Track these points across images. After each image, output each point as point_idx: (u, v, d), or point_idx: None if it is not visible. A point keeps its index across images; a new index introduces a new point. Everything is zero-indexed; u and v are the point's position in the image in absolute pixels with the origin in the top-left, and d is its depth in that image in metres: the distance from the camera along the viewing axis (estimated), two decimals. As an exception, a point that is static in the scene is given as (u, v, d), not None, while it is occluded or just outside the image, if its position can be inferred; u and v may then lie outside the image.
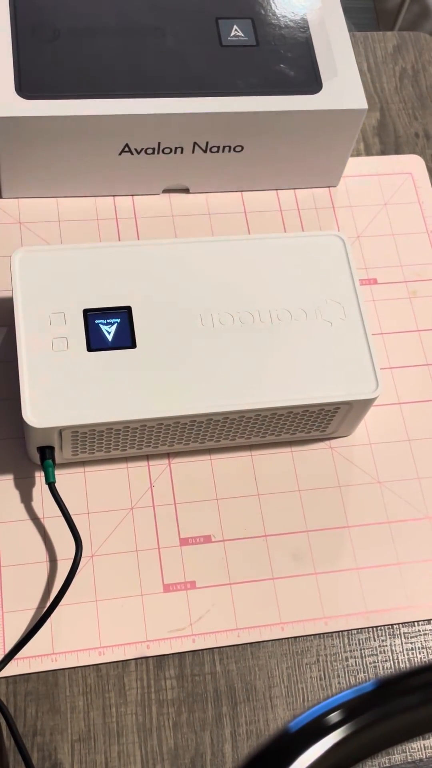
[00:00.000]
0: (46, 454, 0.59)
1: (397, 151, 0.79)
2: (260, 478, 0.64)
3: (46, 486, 0.60)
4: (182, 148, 0.69)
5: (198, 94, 0.67)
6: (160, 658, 0.58)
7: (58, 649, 0.58)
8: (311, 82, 0.69)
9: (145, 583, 0.60)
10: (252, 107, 0.67)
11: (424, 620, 0.61)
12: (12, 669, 0.57)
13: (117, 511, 0.62)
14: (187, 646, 0.59)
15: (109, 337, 0.59)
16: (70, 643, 0.58)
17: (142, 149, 0.68)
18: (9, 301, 0.65)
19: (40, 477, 0.62)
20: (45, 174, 0.69)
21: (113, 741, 0.56)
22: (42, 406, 0.56)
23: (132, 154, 0.69)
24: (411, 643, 0.61)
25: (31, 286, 0.59)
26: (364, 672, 0.60)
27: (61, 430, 0.57)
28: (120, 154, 0.68)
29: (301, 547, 0.62)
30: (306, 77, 0.69)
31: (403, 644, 0.61)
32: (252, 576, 0.61)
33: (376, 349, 0.69)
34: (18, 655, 0.57)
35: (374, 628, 0.61)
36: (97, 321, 0.59)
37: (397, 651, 0.61)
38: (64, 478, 0.62)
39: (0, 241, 0.69)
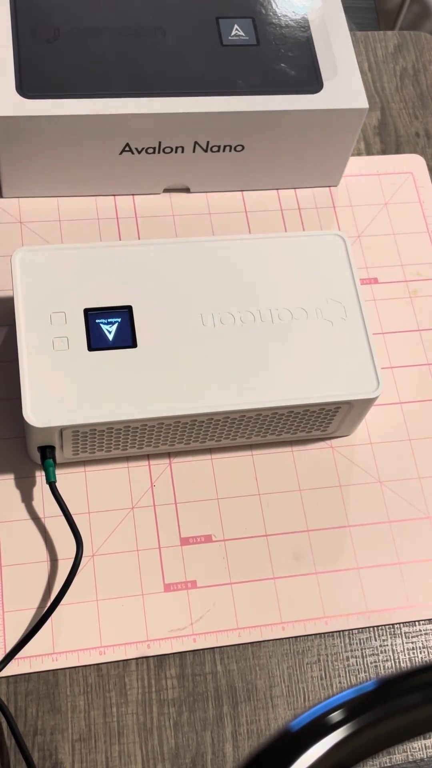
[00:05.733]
0: (47, 453, 0.59)
1: (398, 150, 0.79)
2: (261, 477, 0.64)
3: (47, 485, 0.60)
4: (183, 148, 0.69)
5: (199, 93, 0.67)
6: (161, 658, 0.58)
7: (58, 648, 0.58)
8: (312, 82, 0.69)
9: (146, 583, 0.60)
10: (253, 106, 0.67)
11: (424, 620, 0.61)
12: (12, 668, 0.57)
13: (118, 510, 0.62)
14: (187, 645, 0.59)
15: (110, 337, 0.59)
16: (70, 643, 0.58)
17: (142, 149, 0.68)
18: (9, 300, 0.65)
19: (40, 476, 0.62)
20: (45, 173, 0.69)
21: (114, 741, 0.56)
22: (43, 406, 0.56)
23: (132, 153, 0.68)
24: (412, 642, 0.61)
25: (31, 286, 0.59)
26: (364, 672, 0.60)
27: (61, 430, 0.57)
28: (120, 153, 0.68)
29: (301, 546, 0.62)
30: (307, 77, 0.69)
31: (404, 644, 0.61)
32: (253, 575, 0.61)
33: (376, 348, 0.69)
34: (18, 655, 0.57)
35: (375, 628, 0.61)
36: (97, 320, 0.59)
37: (398, 651, 0.61)
38: (64, 477, 0.62)
39: (0, 241, 0.69)
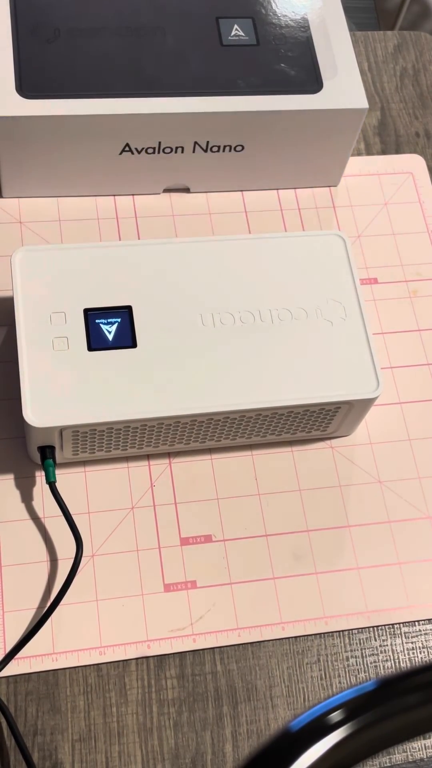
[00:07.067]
0: (47, 453, 0.59)
1: (398, 150, 0.79)
2: (261, 477, 0.64)
3: (47, 485, 0.60)
4: (183, 148, 0.69)
5: (198, 93, 0.67)
6: (161, 658, 0.58)
7: (58, 648, 0.58)
8: (312, 82, 0.69)
9: (146, 583, 0.60)
10: (252, 107, 0.67)
11: (424, 620, 0.61)
12: (12, 669, 0.57)
13: (117, 510, 0.62)
14: (187, 645, 0.59)
15: (110, 337, 0.59)
16: (70, 643, 0.58)
17: (142, 149, 0.68)
18: (9, 300, 0.65)
19: (40, 476, 0.62)
20: (45, 173, 0.69)
21: (114, 741, 0.56)
22: (42, 406, 0.56)
23: (132, 153, 0.68)
24: (412, 642, 0.61)
25: (31, 286, 0.59)
26: (364, 672, 0.60)
27: (61, 430, 0.57)
28: (120, 153, 0.68)
29: (301, 546, 0.62)
30: (306, 77, 0.69)
31: (404, 644, 0.61)
32: (252, 576, 0.61)
33: (376, 348, 0.69)
34: (18, 655, 0.57)
35: (375, 628, 0.61)
36: (97, 320, 0.59)
37: (398, 651, 0.61)
38: (64, 477, 0.62)
39: (0, 241, 0.69)
